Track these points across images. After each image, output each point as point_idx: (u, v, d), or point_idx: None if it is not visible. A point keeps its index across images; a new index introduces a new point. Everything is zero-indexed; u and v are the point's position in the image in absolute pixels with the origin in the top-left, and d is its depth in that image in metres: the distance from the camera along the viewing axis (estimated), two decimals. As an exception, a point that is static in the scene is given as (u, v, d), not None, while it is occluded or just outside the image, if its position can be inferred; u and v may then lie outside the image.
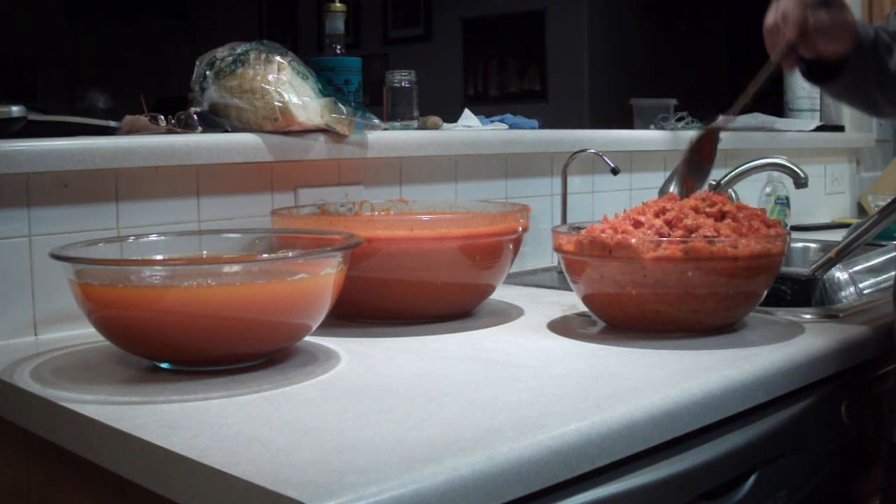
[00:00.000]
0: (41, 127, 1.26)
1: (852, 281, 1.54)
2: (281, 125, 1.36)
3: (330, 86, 1.50)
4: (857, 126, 2.81)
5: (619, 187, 1.97)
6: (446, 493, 0.70)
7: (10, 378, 1.00)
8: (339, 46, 1.62)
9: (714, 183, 1.77)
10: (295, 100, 1.35)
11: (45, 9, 6.31)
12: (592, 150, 1.75)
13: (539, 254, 1.80)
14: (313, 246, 1.14)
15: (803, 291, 1.54)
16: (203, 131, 1.35)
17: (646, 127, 2.24)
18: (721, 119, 1.29)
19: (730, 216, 1.18)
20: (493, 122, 1.91)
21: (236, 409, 0.88)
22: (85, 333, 1.14)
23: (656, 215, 1.19)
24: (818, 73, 1.26)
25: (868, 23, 1.27)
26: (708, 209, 1.19)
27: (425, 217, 1.36)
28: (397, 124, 1.69)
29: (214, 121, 1.37)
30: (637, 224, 1.18)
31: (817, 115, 2.75)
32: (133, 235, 1.18)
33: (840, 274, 1.53)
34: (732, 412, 0.98)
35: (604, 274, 1.15)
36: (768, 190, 2.29)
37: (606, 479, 0.85)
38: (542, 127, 1.99)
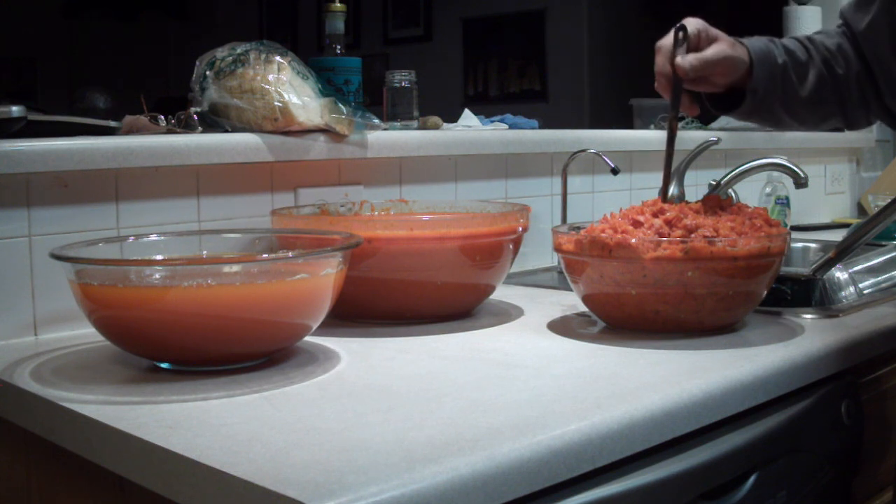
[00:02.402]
0: (41, 127, 1.26)
1: (852, 281, 1.54)
2: (281, 125, 1.36)
3: (330, 86, 1.50)
4: (858, 126, 2.81)
5: (619, 187, 1.97)
6: (446, 493, 0.70)
7: (10, 378, 1.00)
8: (339, 46, 1.62)
9: (714, 183, 1.77)
10: (295, 100, 1.35)
11: (45, 9, 6.32)
12: (592, 150, 1.75)
13: (539, 254, 1.80)
14: (313, 246, 1.14)
15: (803, 291, 1.54)
16: (203, 131, 1.35)
17: (646, 127, 2.25)
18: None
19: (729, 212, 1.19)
20: (493, 122, 1.91)
21: (236, 409, 0.88)
22: (85, 333, 1.15)
23: (655, 215, 1.19)
24: (722, 102, 1.28)
25: (776, 41, 1.28)
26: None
27: (425, 217, 1.36)
28: (397, 124, 1.69)
29: (214, 121, 1.37)
30: (636, 224, 1.18)
31: (817, 115, 2.74)
32: (133, 235, 1.18)
33: (840, 274, 1.53)
34: (732, 412, 0.98)
35: (604, 274, 1.15)
36: (768, 190, 2.29)
37: (606, 479, 0.85)
38: (542, 127, 1.99)
